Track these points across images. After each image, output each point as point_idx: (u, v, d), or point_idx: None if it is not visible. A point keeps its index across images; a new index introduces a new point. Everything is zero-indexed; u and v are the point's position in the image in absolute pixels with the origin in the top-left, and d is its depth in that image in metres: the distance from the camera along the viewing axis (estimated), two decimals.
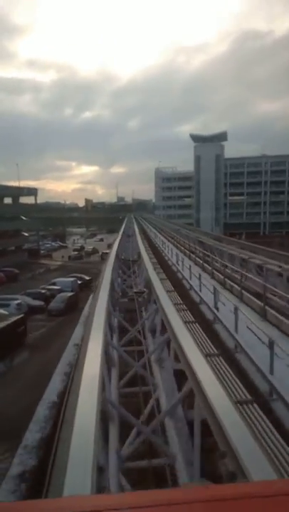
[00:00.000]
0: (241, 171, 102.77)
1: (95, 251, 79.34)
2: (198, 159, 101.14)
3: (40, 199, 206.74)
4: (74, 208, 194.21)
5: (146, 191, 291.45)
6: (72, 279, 41.45)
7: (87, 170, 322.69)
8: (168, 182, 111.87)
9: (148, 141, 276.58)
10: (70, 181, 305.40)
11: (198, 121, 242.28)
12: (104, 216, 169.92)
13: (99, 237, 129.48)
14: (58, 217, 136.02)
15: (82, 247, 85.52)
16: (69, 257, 70.36)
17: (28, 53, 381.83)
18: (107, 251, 73.94)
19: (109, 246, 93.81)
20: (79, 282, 42.35)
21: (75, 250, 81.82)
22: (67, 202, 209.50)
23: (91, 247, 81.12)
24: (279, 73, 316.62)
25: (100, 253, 69.79)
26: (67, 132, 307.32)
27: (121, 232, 39.32)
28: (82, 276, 46.30)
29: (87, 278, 45.76)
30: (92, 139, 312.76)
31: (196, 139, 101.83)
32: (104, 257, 71.09)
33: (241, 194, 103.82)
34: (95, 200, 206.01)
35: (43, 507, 1.07)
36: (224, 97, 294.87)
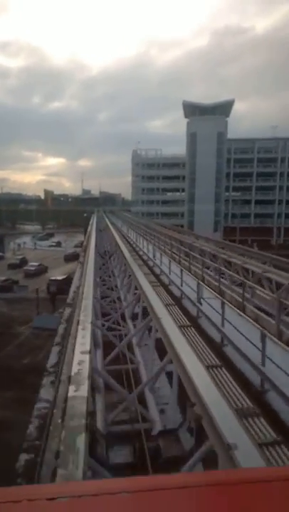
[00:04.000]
0: (250, 158, 76.23)
1: (41, 270, 50.10)
2: (193, 138, 73.42)
3: (5, 189, 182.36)
4: (31, 200, 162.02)
5: (115, 186, 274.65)
6: None
7: (54, 162, 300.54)
8: (149, 169, 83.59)
9: (117, 134, 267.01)
10: (36, 172, 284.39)
11: (169, 117, 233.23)
12: (66, 210, 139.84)
13: (56, 239, 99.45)
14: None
15: (23, 260, 55.77)
16: None
17: None
18: (60, 277, 43.85)
19: (67, 259, 64.42)
20: None
21: (10, 267, 52.15)
22: (30, 194, 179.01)
23: (36, 264, 51.42)
24: (248, 74, 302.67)
25: (48, 281, 40.25)
26: (34, 121, 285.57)
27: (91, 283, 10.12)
28: None
29: None
30: (60, 129, 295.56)
31: (190, 109, 73.81)
32: (51, 287, 42.35)
33: (249, 189, 77.39)
34: (60, 193, 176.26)
35: (40, 492, 1.08)
36: (197, 93, 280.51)
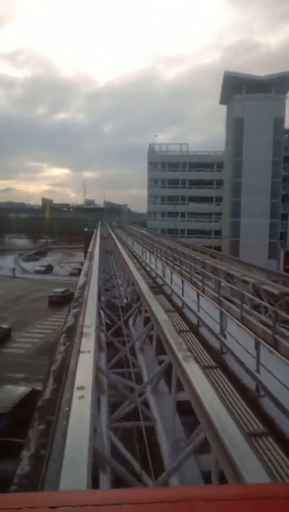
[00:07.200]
0: None
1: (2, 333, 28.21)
2: (238, 126, 51.64)
3: (10, 199, 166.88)
4: (30, 210, 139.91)
5: (120, 197, 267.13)
6: None
7: (59, 172, 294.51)
8: (173, 169, 61.98)
9: (122, 147, 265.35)
10: (41, 183, 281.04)
11: (173, 131, 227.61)
12: (64, 218, 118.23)
13: (48, 258, 77.76)
14: None
15: None
16: None
17: (2, 46, 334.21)
18: (17, 395, 18.40)
19: (53, 303, 41.62)
20: None
21: None
22: (32, 203, 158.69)
23: None
24: None
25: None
26: (39, 132, 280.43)
27: None
28: None
29: None
30: (65, 141, 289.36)
31: (233, 85, 51.63)
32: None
33: None
34: (61, 203, 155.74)
35: (42, 499, 1.10)
36: (201, 108, 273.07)
